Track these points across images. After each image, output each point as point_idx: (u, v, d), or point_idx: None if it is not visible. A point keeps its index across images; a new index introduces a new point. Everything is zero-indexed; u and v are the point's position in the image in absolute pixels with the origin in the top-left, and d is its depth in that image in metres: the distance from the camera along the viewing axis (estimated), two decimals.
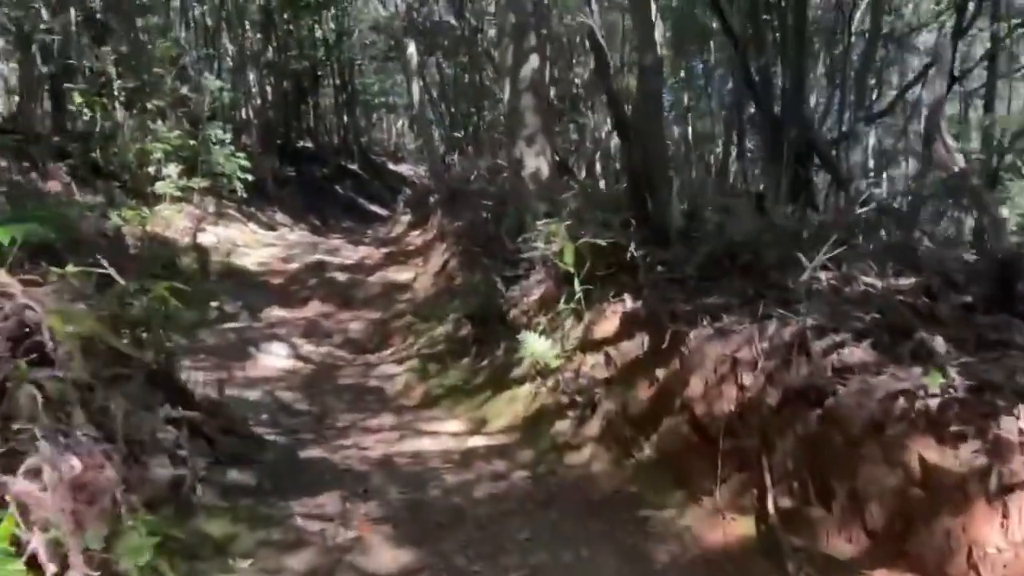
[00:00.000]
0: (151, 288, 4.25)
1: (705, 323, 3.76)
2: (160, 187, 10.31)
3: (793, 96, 7.95)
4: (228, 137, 11.63)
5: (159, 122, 10.71)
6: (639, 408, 3.96)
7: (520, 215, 7.03)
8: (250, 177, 12.17)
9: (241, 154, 12.18)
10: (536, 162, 7.72)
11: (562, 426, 4.38)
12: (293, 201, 16.85)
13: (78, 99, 10.08)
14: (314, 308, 9.12)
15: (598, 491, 3.69)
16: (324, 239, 13.74)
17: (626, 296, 4.57)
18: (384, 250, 12.15)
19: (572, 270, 4.76)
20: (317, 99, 22.23)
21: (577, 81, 16.94)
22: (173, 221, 10.46)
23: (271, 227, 14.04)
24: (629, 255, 4.62)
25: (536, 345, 4.69)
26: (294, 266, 10.91)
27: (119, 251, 8.80)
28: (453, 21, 18.84)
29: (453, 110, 18.79)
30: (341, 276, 10.12)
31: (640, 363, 4.15)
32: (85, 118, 10.39)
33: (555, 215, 6.95)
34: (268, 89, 18.47)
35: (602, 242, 4.73)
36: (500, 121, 21.14)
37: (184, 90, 12.09)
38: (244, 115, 17.64)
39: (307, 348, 7.68)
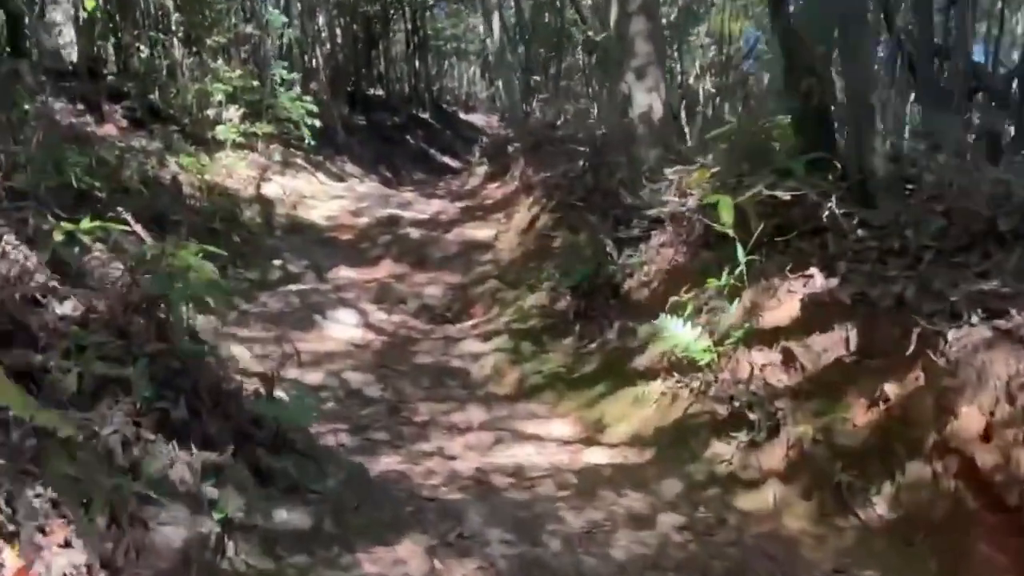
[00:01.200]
0: (174, 252, 3.12)
1: (975, 319, 2.48)
2: (221, 132, 9.31)
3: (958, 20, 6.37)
4: (295, 79, 10.51)
5: (220, 61, 9.67)
6: (855, 439, 2.71)
7: (635, 162, 5.74)
8: (318, 124, 11.10)
9: (308, 98, 11.09)
10: (648, 99, 6.36)
11: (722, 448, 3.16)
12: (363, 151, 15.78)
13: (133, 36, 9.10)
14: (386, 268, 8.04)
15: (805, 567, 2.47)
16: (395, 192, 12.62)
17: (813, 271, 3.28)
18: (460, 204, 10.97)
19: (730, 232, 3.48)
20: (388, 44, 21.03)
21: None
22: (235, 169, 9.46)
23: (340, 178, 13.00)
24: (824, 213, 3.31)
25: (679, 332, 3.45)
26: (364, 220, 9.83)
27: (175, 202, 7.85)
28: None
29: (531, 53, 17.37)
30: (415, 232, 8.99)
31: (847, 370, 2.89)
32: (143, 56, 9.40)
33: (671, 163, 5.65)
34: (338, 32, 17.31)
35: (784, 194, 3.43)
36: (581, 65, 19.64)
37: (248, 28, 11.04)
38: (312, 60, 16.56)
39: (378, 316, 6.60)
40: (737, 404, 3.20)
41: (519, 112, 11.22)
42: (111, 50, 9.58)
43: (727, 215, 3.44)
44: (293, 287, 7.15)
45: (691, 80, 14.55)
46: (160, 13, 9.38)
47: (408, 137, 19.28)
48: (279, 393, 3.80)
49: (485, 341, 5.60)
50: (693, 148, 6.91)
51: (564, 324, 5.19)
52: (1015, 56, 9.61)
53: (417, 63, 21.12)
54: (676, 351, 3.46)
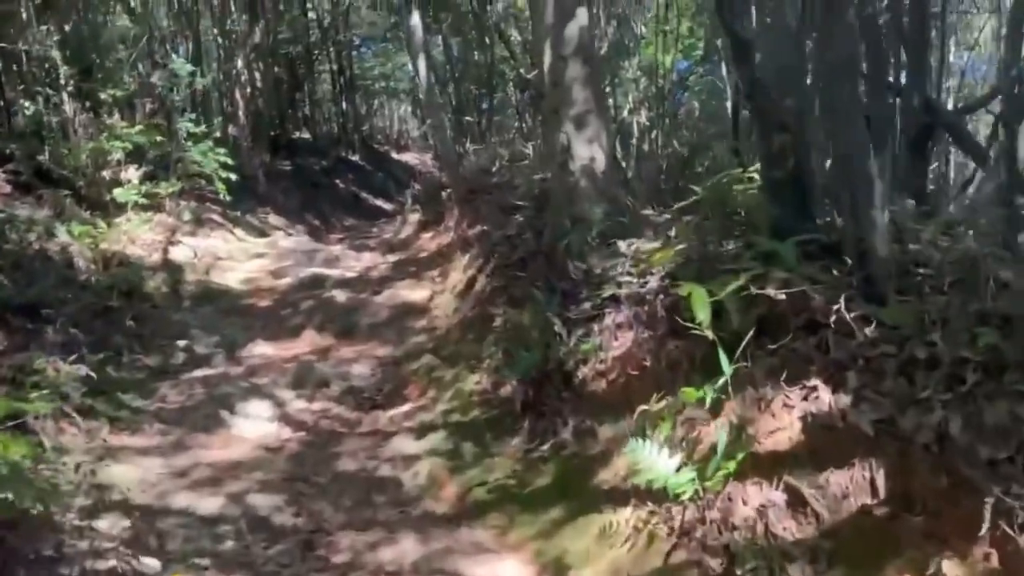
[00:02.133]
0: None
1: None
2: (120, 194, 8.35)
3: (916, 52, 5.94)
4: (203, 130, 9.62)
5: (116, 116, 8.73)
6: None
7: (579, 223, 5.07)
8: (234, 176, 10.20)
9: (222, 149, 10.19)
10: (589, 151, 5.73)
11: None
12: (287, 200, 14.89)
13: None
14: (308, 341, 7.18)
15: None
16: (322, 245, 11.77)
17: (816, 383, 2.63)
18: (392, 257, 10.19)
19: (708, 333, 2.80)
20: (313, 85, 20.20)
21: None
22: (138, 234, 8.51)
23: (262, 232, 12.08)
24: (823, 308, 2.66)
25: (655, 463, 2.75)
26: (286, 282, 8.97)
27: (61, 280, 6.87)
28: None
29: (461, 92, 16.76)
30: (342, 295, 8.16)
31: (880, 528, 2.22)
32: (27, 112, 8.39)
33: (621, 224, 5.01)
34: (257, 76, 16.41)
35: (777, 293, 2.78)
36: (514, 103, 19.14)
37: (154, 77, 10.12)
38: (230, 106, 15.61)
39: (297, 405, 5.74)
40: (735, 557, 2.50)
41: (452, 155, 10.52)
42: None
43: (703, 313, 2.76)
44: (199, 372, 6.24)
45: (625, 113, 14.16)
46: (47, 65, 8.41)
47: (337, 181, 18.44)
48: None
49: (420, 438, 4.80)
50: (640, 199, 6.31)
51: (510, 418, 4.44)
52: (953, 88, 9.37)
53: (345, 104, 20.33)
54: (652, 485, 2.74)
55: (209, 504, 4.05)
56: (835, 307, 2.66)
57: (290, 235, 12.69)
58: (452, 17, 15.98)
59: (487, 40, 16.40)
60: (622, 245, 3.86)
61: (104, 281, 7.28)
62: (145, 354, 6.40)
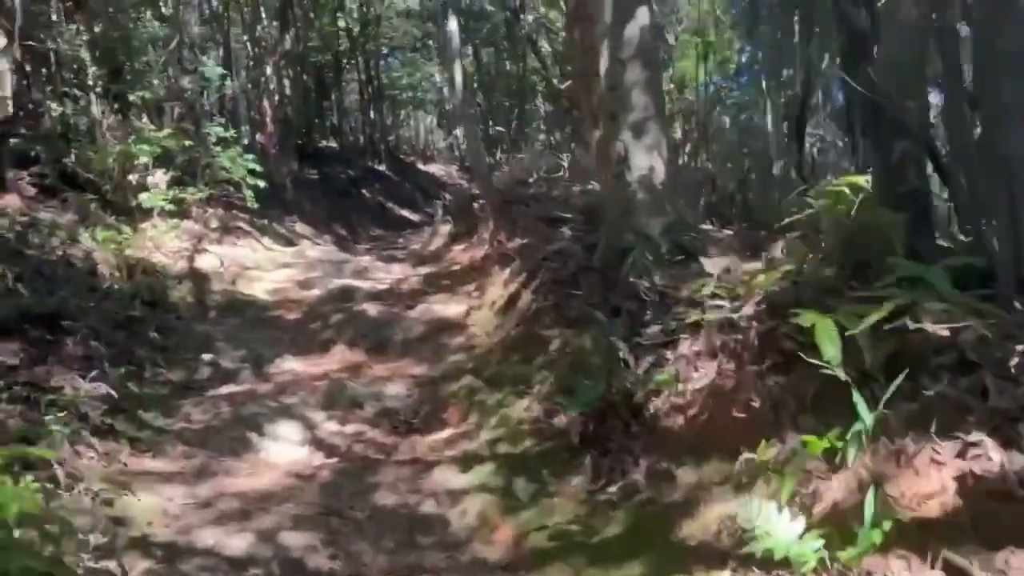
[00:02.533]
0: None
1: None
2: (146, 199, 8.02)
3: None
4: (232, 135, 9.29)
5: (145, 119, 8.41)
6: None
7: (647, 240, 4.63)
8: (262, 183, 9.87)
9: (250, 156, 9.87)
10: (648, 159, 5.30)
11: None
12: (315, 208, 14.56)
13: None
14: (339, 356, 6.78)
15: None
16: (350, 256, 11.38)
17: (978, 437, 2.17)
18: (424, 270, 9.78)
19: (839, 373, 2.34)
20: (341, 95, 19.95)
21: None
22: (164, 241, 8.18)
23: (289, 241, 11.73)
24: (976, 347, 2.21)
25: (775, 525, 2.30)
26: (314, 294, 8.58)
27: (83, 289, 6.52)
28: (490, 7, 16.56)
29: (492, 103, 16.44)
30: (373, 309, 7.75)
31: None
32: (54, 113, 8.10)
33: (690, 240, 4.57)
34: (286, 83, 16.16)
35: (940, 328, 2.30)
36: (542, 114, 18.76)
37: (185, 80, 9.83)
38: (259, 113, 15.34)
39: (329, 427, 5.32)
40: None
41: (484, 166, 10.13)
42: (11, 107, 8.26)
43: (832, 348, 2.32)
44: (225, 389, 5.84)
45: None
46: (76, 66, 8.11)
47: (364, 191, 18.14)
48: None
49: (465, 470, 4.36)
50: (700, 213, 5.87)
51: (568, 452, 3.98)
52: None
53: (372, 113, 20.05)
54: (774, 554, 2.28)
55: (237, 543, 3.62)
56: (993, 344, 2.20)
57: (317, 244, 12.34)
58: (485, 27, 15.66)
59: (519, 51, 16.08)
60: (706, 264, 3.42)
61: (128, 289, 6.93)
62: (168, 368, 6.02)
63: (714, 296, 3.35)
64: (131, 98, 8.09)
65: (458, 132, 26.12)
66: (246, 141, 15.82)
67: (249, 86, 15.80)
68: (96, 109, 8.13)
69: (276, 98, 16.14)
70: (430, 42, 18.38)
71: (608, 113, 5.44)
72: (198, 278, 8.12)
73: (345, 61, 19.29)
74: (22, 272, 5.96)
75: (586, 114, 12.14)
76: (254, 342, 6.97)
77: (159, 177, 8.08)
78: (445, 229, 11.51)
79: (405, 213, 18.92)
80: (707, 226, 5.82)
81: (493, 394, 5.24)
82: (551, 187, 9.03)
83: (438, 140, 25.91)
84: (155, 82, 8.82)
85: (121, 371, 5.32)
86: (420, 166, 23.51)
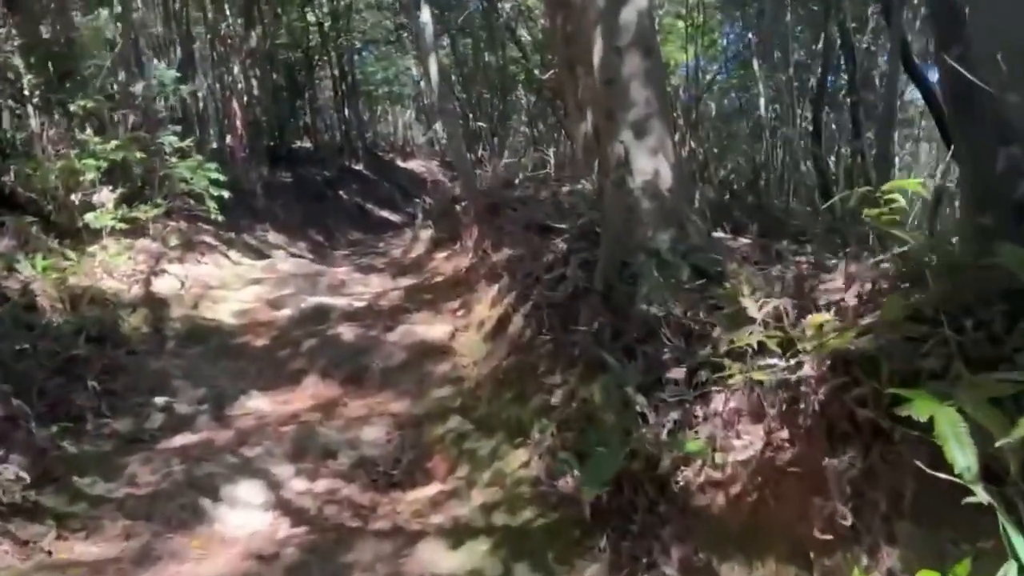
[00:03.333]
0: None
1: None
2: (93, 219, 7.22)
3: None
4: (189, 143, 8.48)
5: (88, 130, 7.58)
6: None
7: (656, 259, 3.92)
8: (227, 193, 9.08)
9: (212, 164, 9.06)
10: (652, 163, 4.57)
11: None
12: (288, 215, 13.75)
13: None
14: (310, 391, 6.04)
15: None
16: (326, 267, 10.61)
17: None
18: (404, 281, 9.04)
19: (979, 492, 1.63)
20: (314, 92, 19.07)
21: None
22: (116, 264, 7.37)
23: (260, 253, 10.93)
24: None
25: None
26: (285, 314, 7.81)
27: (19, 325, 5.74)
28: None
29: (471, 95, 15.64)
30: (349, 332, 7.00)
31: None
32: None
33: (709, 260, 3.87)
34: (255, 83, 15.30)
35: None
36: (524, 105, 17.96)
37: (138, 86, 8.98)
38: (225, 117, 14.48)
39: (296, 485, 4.57)
40: None
41: (467, 164, 9.38)
42: None
43: (965, 456, 1.61)
44: (179, 439, 5.09)
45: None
46: (9, 74, 7.28)
47: (341, 192, 17.30)
48: None
49: (455, 546, 3.63)
50: (707, 220, 5.16)
51: (578, 528, 3.27)
52: None
53: (347, 110, 19.18)
54: None
55: None
56: None
57: (291, 255, 11.54)
58: (460, 16, 14.86)
59: (497, 40, 15.29)
60: (749, 306, 2.70)
61: (71, 324, 6.15)
62: (114, 417, 5.26)
63: (761, 347, 2.64)
64: (72, 107, 7.25)
65: (437, 127, 25.31)
66: (215, 145, 15.06)
67: (218, 87, 14.95)
68: (34, 121, 7.30)
69: (245, 99, 15.30)
70: (404, 34, 17.52)
71: (604, 111, 4.70)
72: (155, 304, 7.33)
73: (317, 57, 18.39)
74: None
75: (571, 106, 11.39)
76: (216, 377, 6.22)
77: (105, 195, 7.26)
78: (426, 235, 10.76)
79: (385, 214, 18.12)
80: (719, 233, 5.10)
81: (485, 441, 4.52)
82: (538, 189, 8.30)
83: (417, 135, 25.06)
84: (103, 89, 7.99)
85: (53, 429, 4.57)
86: (399, 163, 22.67)
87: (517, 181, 8.62)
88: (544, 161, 10.67)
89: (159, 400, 5.58)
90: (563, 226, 5.80)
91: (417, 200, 19.97)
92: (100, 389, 5.49)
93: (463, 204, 9.68)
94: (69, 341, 5.89)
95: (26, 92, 7.25)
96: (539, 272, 5.35)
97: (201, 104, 13.86)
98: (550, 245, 5.89)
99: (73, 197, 7.17)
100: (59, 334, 5.87)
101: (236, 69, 15.40)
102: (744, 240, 4.91)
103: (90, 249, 7.31)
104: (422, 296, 7.99)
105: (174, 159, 8.28)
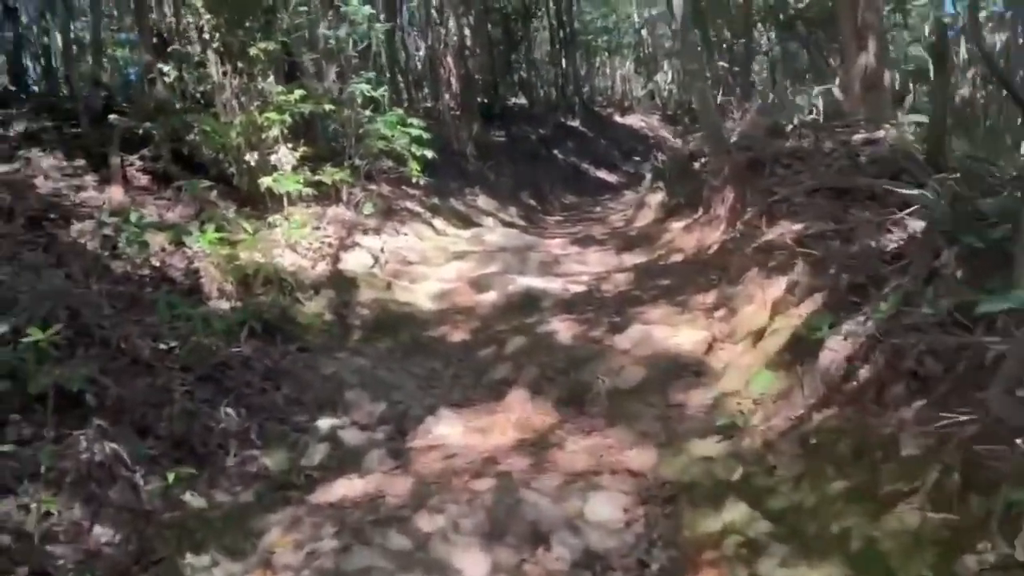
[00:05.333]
0: None
1: None
2: (273, 183, 6.05)
3: None
4: (382, 93, 7.12)
5: (271, 78, 6.40)
6: None
7: None
8: (430, 154, 7.70)
9: (415, 120, 7.70)
10: None
11: None
12: (500, 177, 12.31)
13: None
14: (515, 413, 4.36)
15: None
16: (539, 237, 8.99)
17: None
18: (631, 258, 7.17)
19: None
20: (530, 45, 17.49)
21: None
22: (299, 237, 6.19)
23: (467, 220, 9.56)
24: None
25: None
26: (489, 299, 6.27)
27: (172, 316, 4.61)
28: None
29: (708, 37, 13.21)
30: (564, 329, 5.28)
31: None
32: (168, 80, 6.31)
33: None
34: (467, 33, 13.94)
35: None
36: (763, 48, 15.16)
37: (322, 26, 7.69)
38: (441, 69, 13.27)
39: None
40: None
41: (713, 114, 7.24)
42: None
43: None
44: (340, 488, 3.64)
45: None
46: (188, 16, 6.24)
47: (556, 152, 15.66)
48: None
49: None
50: None
51: None
52: None
53: (564, 63, 17.40)
54: None
55: None
56: None
57: (502, 223, 10.07)
58: None
59: None
60: None
61: (237, 313, 4.95)
62: (265, 447, 3.92)
63: None
64: (252, 52, 6.07)
65: (658, 78, 22.86)
66: (428, 103, 13.97)
67: (429, 40, 13.79)
68: (214, 69, 6.22)
69: (457, 54, 13.99)
70: None
71: None
72: (342, 284, 6.06)
73: (534, 6, 16.74)
74: (77, 309, 4.07)
75: (848, 34, 8.78)
76: (400, 386, 4.76)
77: (284, 154, 6.05)
78: (655, 199, 8.79)
79: (602, 175, 16.28)
80: None
81: (797, 562, 2.58)
82: (820, 138, 6.01)
83: (636, 89, 22.80)
84: (292, 31, 6.78)
85: (170, 478, 3.25)
86: (617, 119, 20.63)
87: (789, 128, 6.36)
88: (811, 105, 8.23)
89: (324, 423, 4.18)
90: (907, 191, 3.58)
91: (637, 158, 17.93)
92: (256, 403, 4.21)
93: (705, 161, 7.60)
94: (231, 335, 4.68)
95: (206, 35, 6.17)
96: (871, 263, 3.22)
97: (409, 58, 12.71)
98: (878, 220, 3.72)
99: (250, 157, 6.01)
100: (221, 325, 4.66)
101: (452, 22, 14.14)
102: None
103: (272, 218, 6.17)
104: (657, 281, 6.08)
105: (368, 112, 6.94)
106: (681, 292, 5.54)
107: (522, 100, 17.46)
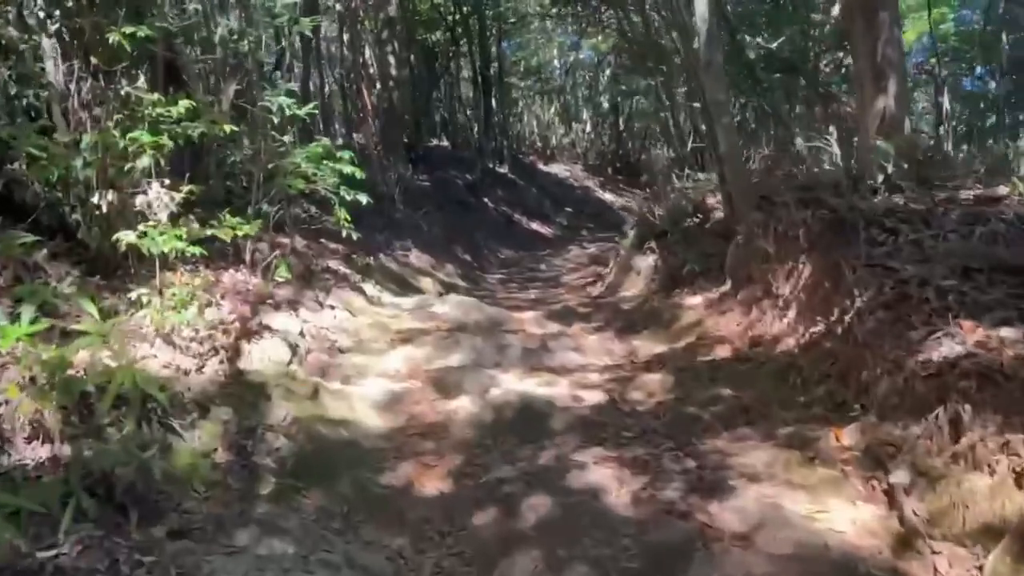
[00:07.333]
0: None
1: None
2: (140, 239, 3.81)
3: None
4: (310, 110, 5.03)
5: (140, 79, 4.18)
6: None
7: None
8: (364, 198, 5.64)
9: (346, 154, 5.62)
10: None
11: None
12: (431, 227, 10.30)
13: None
14: None
15: None
16: (501, 309, 6.97)
17: None
18: (644, 346, 5.30)
19: None
20: (454, 81, 15.72)
21: None
22: (180, 322, 3.93)
23: (403, 283, 7.47)
24: None
25: None
26: (464, 409, 4.21)
27: None
28: None
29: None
30: (609, 481, 3.28)
31: None
32: None
33: None
34: (391, 61, 11.99)
35: None
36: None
37: (224, 20, 5.57)
38: (358, 100, 11.20)
39: None
40: None
41: (739, 164, 5.55)
42: None
43: None
44: None
45: None
46: None
47: (486, 200, 13.82)
48: None
49: None
50: None
51: None
52: None
53: (493, 103, 15.69)
54: None
55: None
56: None
57: (442, 284, 8.04)
58: None
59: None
60: None
61: (57, 478, 2.68)
62: None
63: None
64: (111, 39, 3.86)
65: (580, 126, 21.60)
66: (339, 141, 11.84)
67: (353, 68, 11.73)
68: (52, 66, 3.96)
69: (378, 84, 11.98)
70: (567, 10, 13.86)
71: None
72: (244, 397, 3.84)
73: (458, 39, 15.00)
74: None
75: (864, 68, 7.41)
76: None
77: (157, 194, 3.83)
78: (645, 263, 7.00)
79: (535, 226, 14.55)
80: None
81: None
82: (928, 198, 4.37)
83: (559, 136, 21.42)
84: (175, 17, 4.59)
85: None
86: (541, 167, 19.11)
87: (870, 182, 4.71)
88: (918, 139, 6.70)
89: None
90: None
91: (568, 209, 16.35)
92: None
93: (720, 217, 5.91)
94: (36, 525, 2.42)
95: (40, 12, 3.91)
96: None
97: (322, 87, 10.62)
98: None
99: (104, 199, 3.76)
100: (18, 509, 2.39)
101: (368, 51, 12.15)
102: None
103: (137, 293, 3.90)
104: (717, 391, 4.18)
105: (286, 139, 4.81)
106: (771, 416, 3.67)
107: (443, 142, 15.61)
